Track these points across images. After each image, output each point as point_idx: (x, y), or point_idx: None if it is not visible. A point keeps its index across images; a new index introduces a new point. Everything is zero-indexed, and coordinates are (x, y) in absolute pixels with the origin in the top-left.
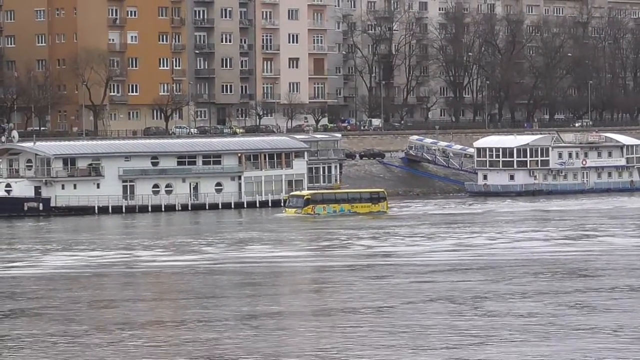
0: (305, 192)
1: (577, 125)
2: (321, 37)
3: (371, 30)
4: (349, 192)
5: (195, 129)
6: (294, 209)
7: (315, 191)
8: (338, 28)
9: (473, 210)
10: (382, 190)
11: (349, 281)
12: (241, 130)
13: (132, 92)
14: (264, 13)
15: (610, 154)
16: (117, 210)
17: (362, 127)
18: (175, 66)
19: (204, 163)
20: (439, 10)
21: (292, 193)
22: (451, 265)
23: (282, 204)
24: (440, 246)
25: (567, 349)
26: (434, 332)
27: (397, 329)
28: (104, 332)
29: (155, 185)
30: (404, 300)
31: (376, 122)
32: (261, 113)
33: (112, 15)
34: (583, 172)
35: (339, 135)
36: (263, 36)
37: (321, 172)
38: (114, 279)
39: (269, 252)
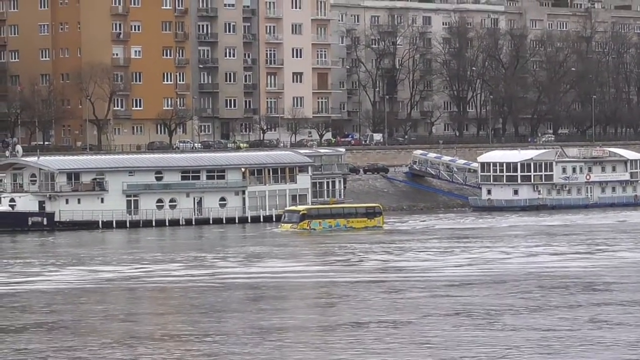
0: (300, 207)
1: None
2: (325, 51)
3: (375, 44)
4: (345, 207)
5: (199, 144)
6: (290, 224)
7: (311, 206)
8: (342, 42)
9: (472, 225)
10: (377, 205)
11: (364, 296)
12: (245, 145)
13: (136, 106)
14: (268, 28)
15: (614, 169)
16: (121, 225)
17: (363, 142)
18: (179, 81)
19: (208, 178)
20: (443, 24)
21: (287, 208)
22: (465, 280)
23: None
24: (453, 261)
25: None
26: (452, 346)
27: (416, 344)
28: (123, 345)
29: (159, 200)
30: (420, 314)
31: (377, 136)
32: (265, 127)
33: (115, 29)
34: (587, 187)
35: (342, 149)
36: (267, 51)
37: (325, 187)
38: (131, 293)
39: (283, 266)
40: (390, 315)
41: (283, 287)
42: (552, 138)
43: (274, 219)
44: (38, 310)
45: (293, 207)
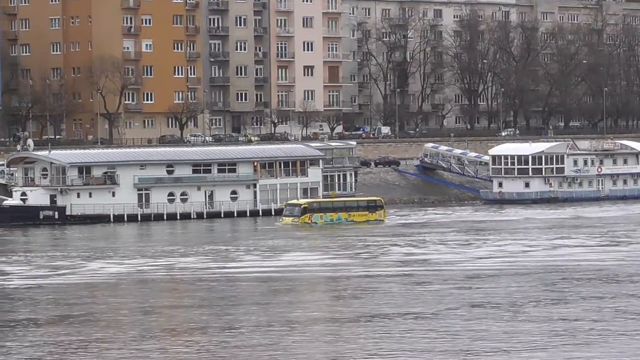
0: (302, 201)
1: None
2: (336, 44)
3: (386, 37)
4: (346, 200)
5: (210, 137)
6: (291, 218)
7: (312, 200)
8: (353, 36)
9: (480, 218)
10: (379, 198)
11: (388, 288)
12: (256, 138)
13: (147, 100)
14: (279, 21)
15: (625, 161)
16: (132, 218)
17: (371, 135)
18: (190, 74)
19: (219, 171)
20: (454, 17)
21: (288, 202)
22: (488, 272)
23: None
24: (475, 253)
25: (610, 353)
26: (477, 338)
27: (444, 335)
28: (153, 338)
29: (171, 194)
30: (445, 306)
31: (385, 129)
32: (276, 121)
33: (127, 23)
34: (598, 180)
35: (354, 143)
36: (278, 44)
37: (336, 180)
38: (161, 286)
39: (306, 259)
40: (415, 308)
41: (308, 279)
42: (556, 128)
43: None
44: (66, 303)
45: (294, 201)
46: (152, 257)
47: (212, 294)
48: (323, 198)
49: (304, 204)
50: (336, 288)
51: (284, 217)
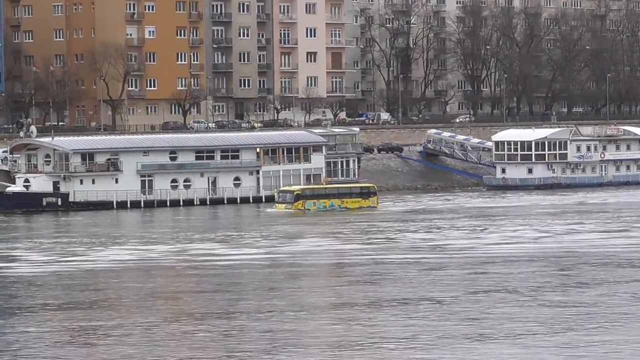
0: (295, 188)
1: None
2: (339, 31)
3: (389, 24)
4: (339, 187)
5: (213, 124)
6: (284, 205)
7: (305, 186)
8: (356, 22)
9: (480, 204)
10: (372, 185)
11: (406, 273)
12: (259, 125)
13: (150, 86)
14: (282, 7)
15: (628, 147)
16: (135, 205)
17: (370, 121)
18: (193, 61)
19: (222, 157)
20: (457, 3)
21: (281, 188)
22: (505, 258)
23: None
24: (490, 239)
25: (628, 336)
26: (498, 322)
27: (464, 319)
28: (177, 322)
29: (174, 180)
30: (465, 291)
31: (385, 115)
32: (279, 107)
33: (129, 10)
34: (601, 165)
35: (356, 129)
36: (281, 30)
37: (339, 166)
38: (179, 272)
39: (323, 245)
40: (433, 292)
41: (324, 265)
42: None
43: None
44: (86, 289)
45: (287, 187)
46: (167, 243)
47: (231, 280)
48: (315, 185)
49: (297, 190)
50: (352, 273)
51: (276, 204)
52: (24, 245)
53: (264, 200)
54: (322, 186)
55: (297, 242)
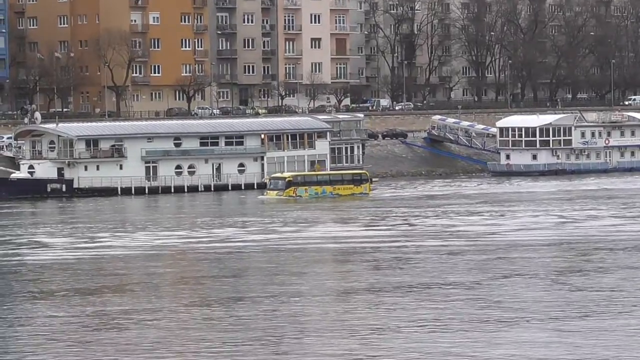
0: (286, 174)
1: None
2: (343, 17)
3: (393, 10)
4: (331, 174)
5: (218, 110)
6: (276, 192)
7: (297, 173)
8: (360, 8)
9: (474, 191)
10: (364, 172)
11: (427, 258)
12: (263, 111)
13: (155, 73)
14: None
15: (633, 133)
16: (139, 191)
17: (369, 108)
18: (198, 47)
19: (227, 144)
20: None
21: (273, 175)
22: (525, 243)
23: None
24: (508, 225)
25: None
26: (521, 307)
27: (491, 303)
28: (204, 307)
29: (178, 166)
30: (488, 276)
31: (384, 102)
32: (283, 93)
33: None
34: (606, 152)
35: (361, 115)
36: (285, 16)
37: (344, 153)
38: (205, 256)
39: (340, 231)
40: (455, 277)
41: (344, 250)
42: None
43: None
44: (114, 274)
45: (278, 174)
46: (188, 229)
47: (258, 264)
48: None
49: (289, 177)
50: (373, 259)
51: (268, 191)
52: (43, 230)
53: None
54: (313, 173)
55: (316, 228)
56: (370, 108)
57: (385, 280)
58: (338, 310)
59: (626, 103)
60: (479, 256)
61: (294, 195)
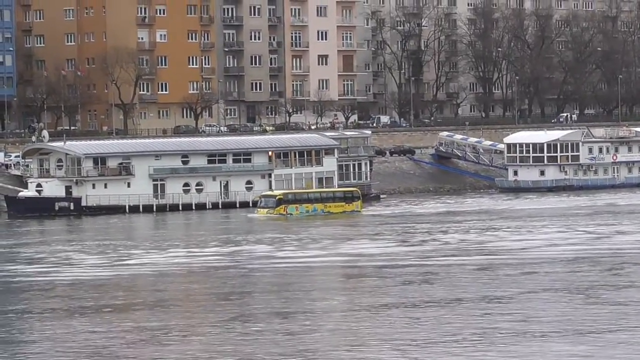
0: (277, 192)
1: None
2: (350, 33)
3: (400, 26)
4: (322, 191)
5: (225, 127)
6: (266, 210)
7: (287, 191)
8: (367, 25)
9: (461, 208)
10: (355, 189)
11: (456, 273)
12: (271, 128)
13: (162, 90)
14: (293, 10)
15: None
16: (147, 209)
17: (370, 124)
18: (205, 64)
19: (234, 161)
20: (468, 5)
21: (263, 193)
22: (553, 258)
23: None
24: (532, 240)
25: None
26: (560, 320)
27: (525, 317)
28: (246, 322)
29: (186, 184)
30: (520, 290)
31: (385, 118)
32: (291, 110)
33: (141, 13)
34: (614, 167)
35: (368, 132)
36: (292, 33)
37: (351, 169)
38: (241, 273)
39: (368, 247)
40: (489, 292)
41: (376, 267)
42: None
43: None
44: (147, 290)
45: (269, 192)
46: (215, 245)
47: (291, 281)
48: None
49: (279, 195)
50: (405, 274)
51: (259, 209)
52: (71, 248)
53: None
54: (304, 190)
55: (346, 244)
56: (370, 125)
57: (418, 296)
58: (374, 325)
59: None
60: (509, 271)
61: (285, 213)
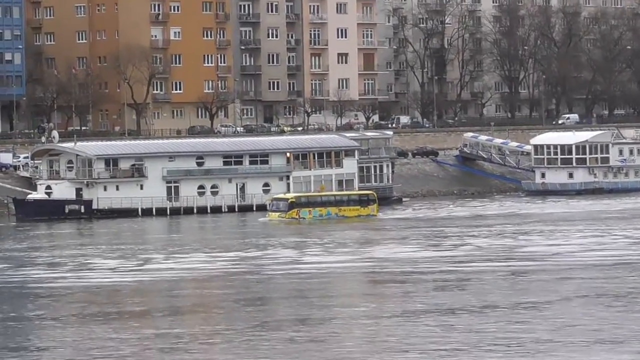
0: (289, 195)
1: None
2: (371, 31)
3: (423, 24)
4: (336, 194)
5: (242, 128)
6: (277, 213)
7: (300, 194)
8: (388, 22)
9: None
10: (371, 192)
11: (490, 279)
12: (289, 129)
13: (176, 89)
14: (312, 7)
15: None
16: (161, 212)
17: (390, 125)
18: (220, 63)
19: (251, 163)
20: (493, 2)
21: (274, 196)
22: (591, 264)
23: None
24: (569, 245)
25: None
26: (602, 327)
27: (566, 324)
28: (273, 329)
29: (201, 186)
30: (556, 297)
31: (405, 119)
32: (309, 110)
33: (154, 10)
34: None
35: (390, 132)
36: (311, 31)
37: (372, 172)
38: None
39: (400, 251)
40: (525, 298)
41: (407, 272)
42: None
43: None
44: (166, 296)
45: (280, 195)
46: (239, 250)
47: (314, 287)
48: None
49: (291, 198)
50: (436, 280)
51: (270, 213)
52: (84, 251)
53: None
54: (317, 194)
55: (374, 248)
56: (389, 125)
57: (449, 302)
58: (405, 332)
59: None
60: (543, 277)
61: (297, 217)
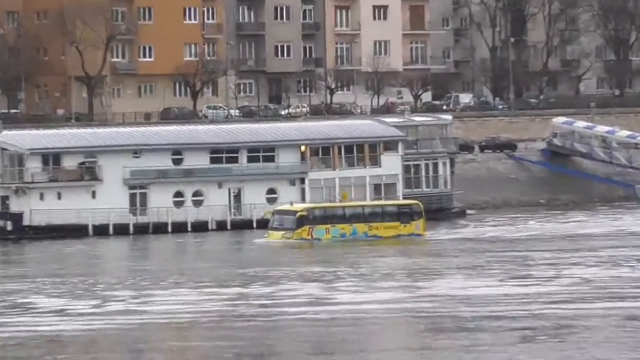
0: (298, 207)
1: None
2: None
3: None
4: (365, 205)
5: (237, 110)
6: (281, 232)
7: (314, 205)
8: None
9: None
10: (416, 202)
11: (597, 325)
12: (304, 112)
13: (145, 57)
14: None
15: None
16: (121, 230)
17: (445, 106)
18: (208, 19)
19: (250, 160)
20: None
21: (277, 208)
22: None
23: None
24: None
25: None
26: None
27: None
28: None
29: (178, 194)
30: None
31: (466, 98)
32: (333, 86)
33: None
34: None
35: (448, 117)
36: None
37: (423, 172)
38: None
39: (470, 286)
40: None
41: (483, 316)
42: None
43: None
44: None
45: (285, 207)
46: (227, 285)
47: (340, 335)
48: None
49: (301, 210)
50: (524, 327)
51: (270, 231)
52: (16, 287)
53: None
54: (338, 204)
55: (434, 281)
56: (447, 107)
57: (545, 357)
58: None
59: None
60: None
61: (310, 237)
